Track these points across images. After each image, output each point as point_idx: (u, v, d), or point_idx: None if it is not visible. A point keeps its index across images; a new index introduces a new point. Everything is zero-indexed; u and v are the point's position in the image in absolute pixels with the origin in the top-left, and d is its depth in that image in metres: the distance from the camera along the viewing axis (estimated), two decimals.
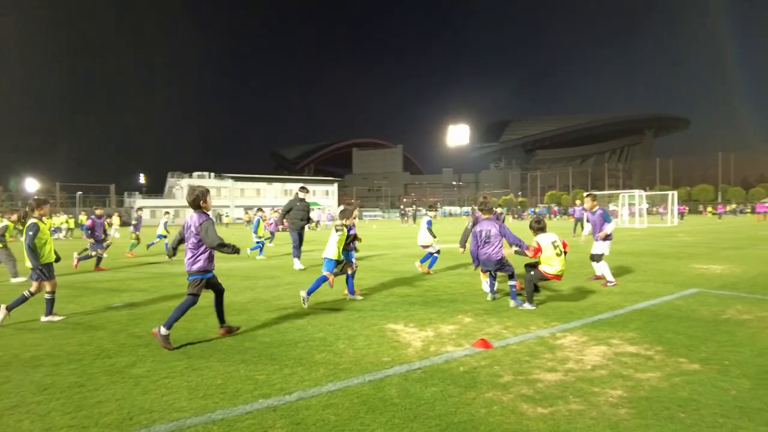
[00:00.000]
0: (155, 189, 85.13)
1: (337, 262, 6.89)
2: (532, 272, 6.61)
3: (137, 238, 16.17)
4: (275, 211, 46.05)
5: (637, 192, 31.21)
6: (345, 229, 6.98)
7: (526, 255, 6.65)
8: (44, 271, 6.10)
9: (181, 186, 79.44)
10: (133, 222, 16.96)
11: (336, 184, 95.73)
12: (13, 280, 10.09)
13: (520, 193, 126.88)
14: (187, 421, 3.14)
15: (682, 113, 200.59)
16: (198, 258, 4.92)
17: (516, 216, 63.75)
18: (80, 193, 71.80)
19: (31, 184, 73.66)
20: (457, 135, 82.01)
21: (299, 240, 11.58)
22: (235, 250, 4.88)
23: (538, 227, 6.73)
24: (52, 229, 28.84)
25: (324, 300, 7.17)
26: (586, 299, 6.98)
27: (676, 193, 33.94)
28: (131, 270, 11.86)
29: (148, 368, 4.19)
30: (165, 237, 16.51)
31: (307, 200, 11.91)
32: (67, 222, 30.25)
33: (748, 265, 10.62)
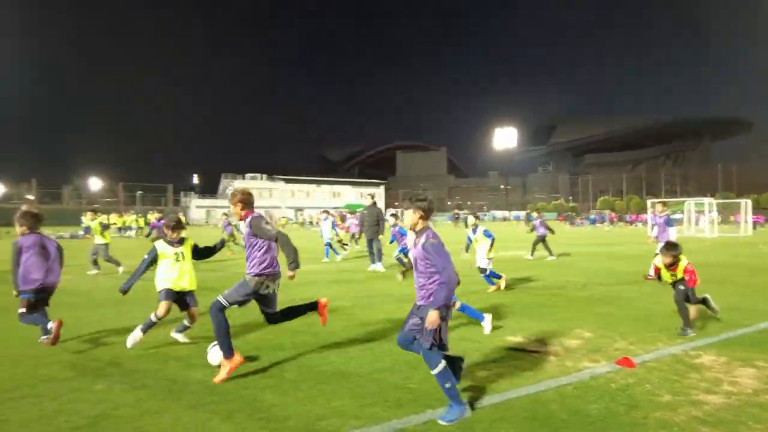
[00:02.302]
0: (209, 189, 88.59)
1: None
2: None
3: (233, 238, 16.58)
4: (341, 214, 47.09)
5: (706, 200, 29.84)
6: None
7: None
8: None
9: (234, 187, 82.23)
10: (223, 229, 17.15)
11: (382, 187, 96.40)
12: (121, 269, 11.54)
13: (570, 197, 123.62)
14: None
15: (743, 115, 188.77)
16: None
17: (570, 223, 61.29)
18: (140, 192, 75.43)
19: (95, 183, 77.94)
20: (504, 138, 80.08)
21: (373, 246, 11.96)
22: None
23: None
24: (121, 227, 30.35)
25: None
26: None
27: (749, 201, 32.11)
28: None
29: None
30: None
31: (377, 205, 12.50)
32: (137, 221, 31.80)
33: None
